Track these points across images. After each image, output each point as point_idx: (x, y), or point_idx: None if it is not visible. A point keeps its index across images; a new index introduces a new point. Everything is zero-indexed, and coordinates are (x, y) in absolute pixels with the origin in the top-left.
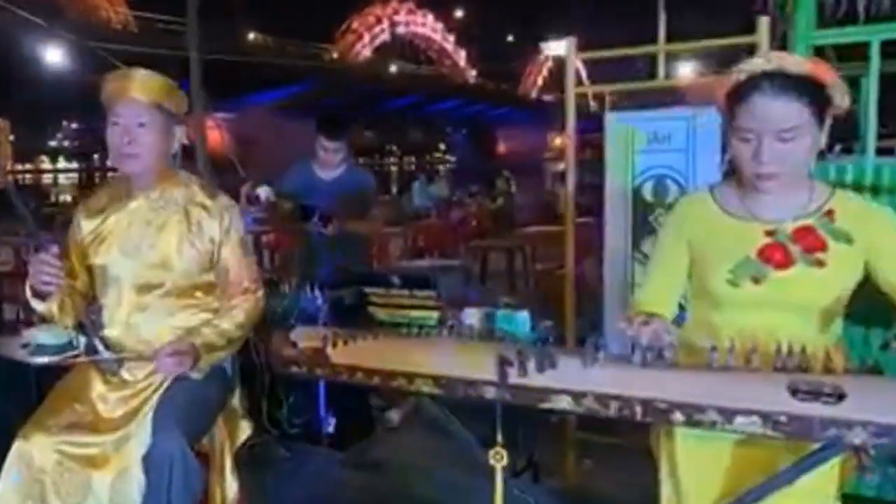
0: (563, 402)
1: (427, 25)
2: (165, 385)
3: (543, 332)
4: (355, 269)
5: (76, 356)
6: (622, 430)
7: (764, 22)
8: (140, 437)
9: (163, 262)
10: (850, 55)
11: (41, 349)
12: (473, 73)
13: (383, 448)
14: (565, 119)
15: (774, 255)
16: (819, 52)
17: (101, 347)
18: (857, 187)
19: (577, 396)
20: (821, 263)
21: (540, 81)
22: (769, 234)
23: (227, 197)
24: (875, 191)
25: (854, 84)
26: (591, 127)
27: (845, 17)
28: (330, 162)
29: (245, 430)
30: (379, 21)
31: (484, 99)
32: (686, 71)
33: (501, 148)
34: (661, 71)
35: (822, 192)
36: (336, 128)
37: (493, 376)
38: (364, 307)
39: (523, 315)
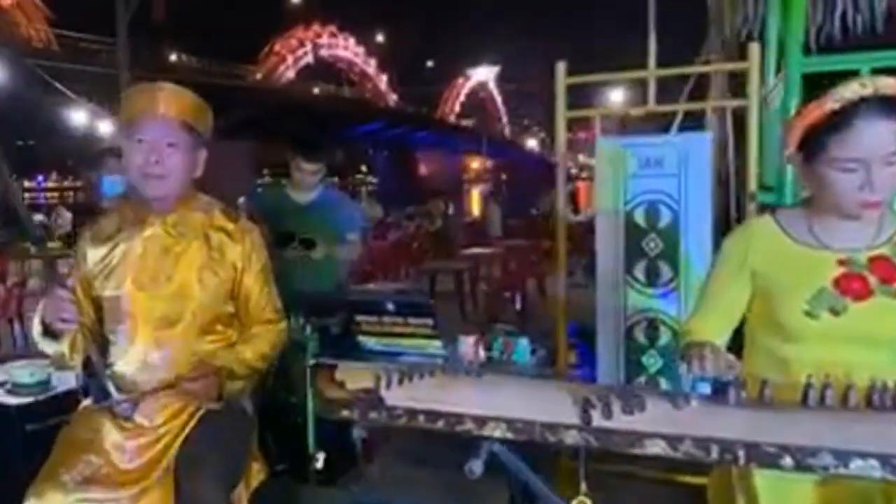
0: (657, 447)
1: (349, 49)
2: (187, 430)
3: (541, 360)
4: (339, 296)
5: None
6: (633, 459)
7: (755, 48)
8: (163, 489)
9: (182, 292)
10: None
11: (19, 388)
12: (394, 96)
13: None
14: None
15: (852, 286)
16: (808, 79)
17: (112, 390)
18: None
19: (673, 441)
20: None
21: (457, 107)
22: (842, 263)
23: (248, 220)
24: None
25: None
26: (506, 152)
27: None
28: (306, 184)
29: (259, 473)
30: (302, 44)
31: (405, 122)
32: (618, 97)
33: (422, 170)
34: (652, 96)
35: (892, 220)
36: (315, 149)
37: (574, 419)
38: (352, 336)
39: (523, 342)
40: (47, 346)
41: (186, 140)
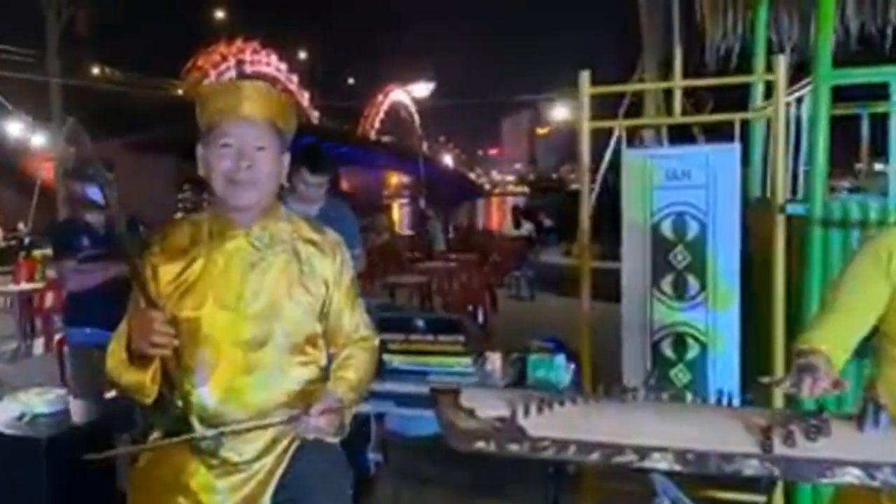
0: (850, 476)
1: (271, 65)
2: (283, 466)
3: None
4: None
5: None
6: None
7: (782, 60)
8: None
9: (271, 311)
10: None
11: (38, 419)
12: (316, 113)
13: None
14: (579, 151)
15: None
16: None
17: (195, 423)
18: (881, 225)
19: (869, 468)
20: None
21: (377, 123)
22: None
23: (334, 231)
24: None
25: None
26: (424, 169)
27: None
28: (310, 197)
29: None
30: (224, 59)
31: (327, 138)
32: (562, 113)
33: (344, 185)
34: (678, 107)
35: None
36: (320, 161)
37: (752, 447)
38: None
39: (560, 360)
40: (126, 374)
41: (275, 143)
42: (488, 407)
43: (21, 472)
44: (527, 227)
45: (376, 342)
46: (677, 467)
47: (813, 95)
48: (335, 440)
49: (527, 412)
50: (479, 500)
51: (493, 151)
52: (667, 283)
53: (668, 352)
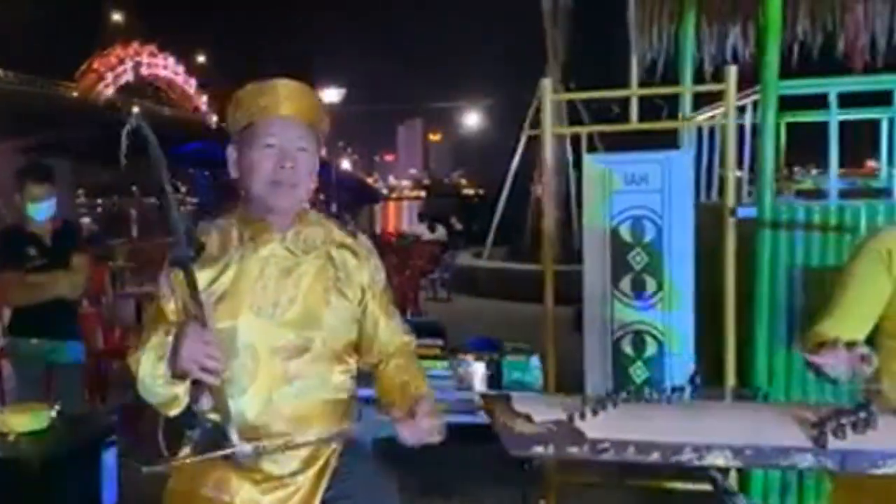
0: None
1: (169, 68)
2: (327, 478)
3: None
4: None
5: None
6: (598, 468)
7: (733, 71)
8: None
9: (309, 318)
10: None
11: (23, 439)
12: (215, 118)
13: None
14: (542, 157)
15: None
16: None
17: (234, 436)
18: (824, 228)
19: None
20: None
21: None
22: None
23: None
24: (839, 229)
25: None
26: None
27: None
28: None
29: None
30: (121, 62)
31: (225, 142)
32: (474, 120)
33: None
34: (635, 114)
35: None
36: None
37: (803, 441)
38: None
39: (535, 362)
40: (161, 388)
41: (314, 144)
42: (542, 411)
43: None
44: (441, 231)
45: (414, 344)
46: (735, 463)
47: (761, 104)
48: (437, 440)
49: (583, 415)
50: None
51: (389, 157)
52: (625, 283)
53: (628, 349)
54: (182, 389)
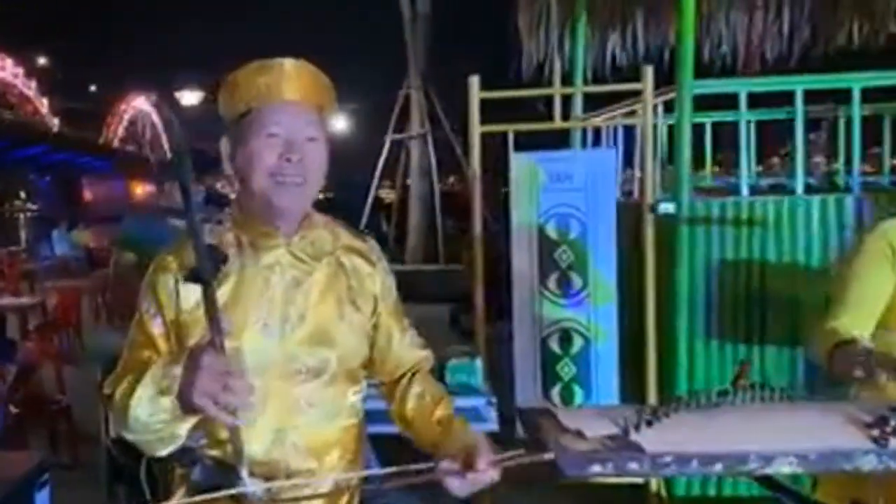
0: None
1: (6, 70)
2: None
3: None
4: None
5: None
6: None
7: (649, 71)
8: None
9: (322, 335)
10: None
11: None
12: (56, 121)
13: None
14: (471, 154)
15: None
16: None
17: (244, 475)
18: (737, 222)
19: None
20: None
21: (121, 132)
22: None
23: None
24: (750, 223)
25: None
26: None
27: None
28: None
29: None
30: None
31: (68, 147)
32: (341, 125)
33: (87, 195)
34: (558, 113)
35: None
36: (202, 167)
37: (864, 443)
38: None
39: (478, 364)
40: (161, 427)
41: (323, 133)
42: (593, 425)
43: None
44: None
45: (432, 361)
46: (800, 470)
47: (677, 104)
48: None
49: (637, 427)
50: None
51: None
52: (552, 280)
53: (555, 347)
54: (186, 428)
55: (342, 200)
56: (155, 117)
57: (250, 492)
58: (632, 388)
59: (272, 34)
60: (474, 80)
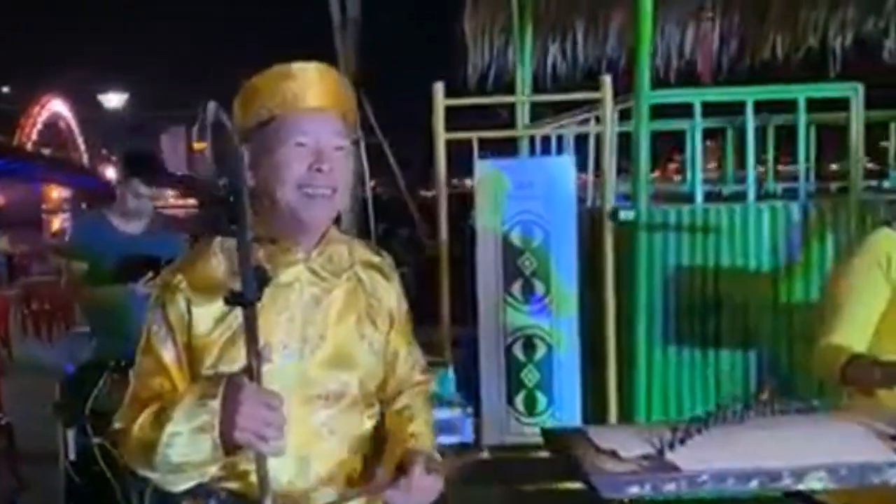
0: None
1: None
2: None
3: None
4: None
5: None
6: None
7: (608, 81)
8: None
9: (342, 357)
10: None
11: None
12: None
13: None
14: (435, 162)
15: None
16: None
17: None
18: (692, 229)
19: None
20: None
21: (35, 134)
22: None
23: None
24: (705, 231)
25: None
26: (85, 182)
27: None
28: (140, 212)
29: None
30: None
31: None
32: None
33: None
34: (520, 120)
35: None
36: (154, 172)
37: (891, 455)
38: None
39: (451, 373)
40: (195, 467)
41: (348, 142)
42: (627, 445)
43: None
44: None
45: (432, 384)
46: (831, 485)
47: (634, 112)
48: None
49: (671, 446)
50: None
51: None
52: (516, 288)
53: (520, 354)
54: (218, 466)
55: None
56: (72, 121)
57: None
58: (593, 395)
59: (196, 36)
60: (439, 87)
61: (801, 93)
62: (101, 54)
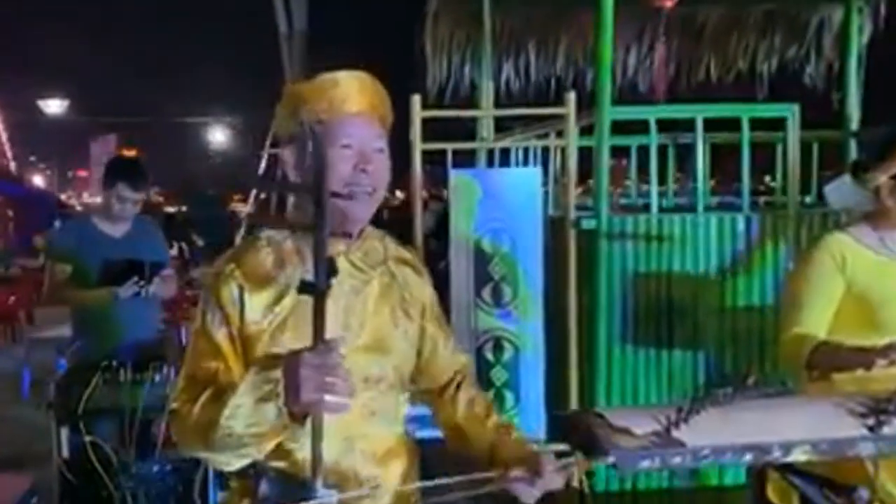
0: None
1: None
2: None
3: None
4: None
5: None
6: None
7: (572, 97)
8: None
9: (380, 344)
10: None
11: None
12: None
13: None
14: (412, 171)
15: None
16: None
17: (318, 484)
18: (648, 238)
19: None
20: None
21: None
22: None
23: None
24: (660, 240)
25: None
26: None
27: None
28: (124, 216)
29: None
30: None
31: None
32: (221, 137)
33: None
34: (485, 132)
35: None
36: (140, 176)
37: (859, 430)
38: None
39: None
40: (256, 440)
41: (386, 144)
42: (639, 423)
43: None
44: (178, 246)
45: (472, 366)
46: (814, 457)
47: (596, 127)
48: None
49: (677, 424)
50: None
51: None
52: (487, 292)
53: (489, 355)
54: (276, 441)
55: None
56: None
57: (326, 500)
58: (557, 393)
59: (141, 44)
60: (416, 99)
61: (744, 112)
62: (42, 60)
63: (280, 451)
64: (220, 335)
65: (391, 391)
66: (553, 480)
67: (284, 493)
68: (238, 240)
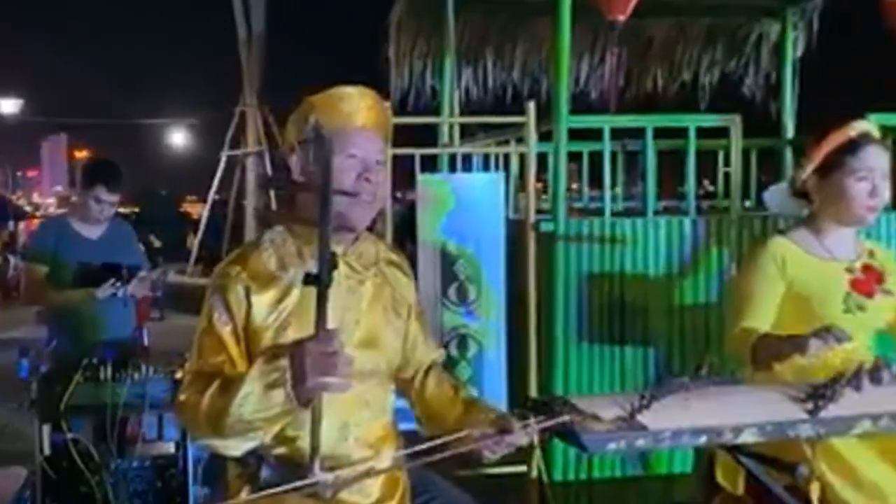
0: (865, 426)
1: None
2: (409, 501)
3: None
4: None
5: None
6: None
7: (531, 106)
8: None
9: (373, 339)
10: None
11: None
12: None
13: None
14: None
15: (864, 287)
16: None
17: (317, 469)
18: (602, 240)
19: (874, 418)
20: (890, 293)
21: None
22: (848, 270)
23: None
24: (613, 241)
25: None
26: None
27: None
28: (100, 218)
29: None
30: None
31: None
32: (179, 139)
33: None
34: (447, 138)
35: (858, 238)
36: (117, 178)
37: (802, 413)
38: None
39: None
40: (264, 424)
41: (385, 157)
42: (604, 408)
43: None
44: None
45: (444, 356)
46: (761, 439)
47: (554, 135)
48: None
49: (640, 409)
50: None
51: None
52: (452, 291)
53: (455, 352)
54: (280, 426)
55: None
56: None
57: (322, 482)
58: (517, 388)
59: (101, 44)
60: (387, 106)
61: (692, 122)
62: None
63: (281, 438)
64: (226, 333)
65: (382, 383)
66: (518, 437)
67: (285, 477)
68: (194, 242)
